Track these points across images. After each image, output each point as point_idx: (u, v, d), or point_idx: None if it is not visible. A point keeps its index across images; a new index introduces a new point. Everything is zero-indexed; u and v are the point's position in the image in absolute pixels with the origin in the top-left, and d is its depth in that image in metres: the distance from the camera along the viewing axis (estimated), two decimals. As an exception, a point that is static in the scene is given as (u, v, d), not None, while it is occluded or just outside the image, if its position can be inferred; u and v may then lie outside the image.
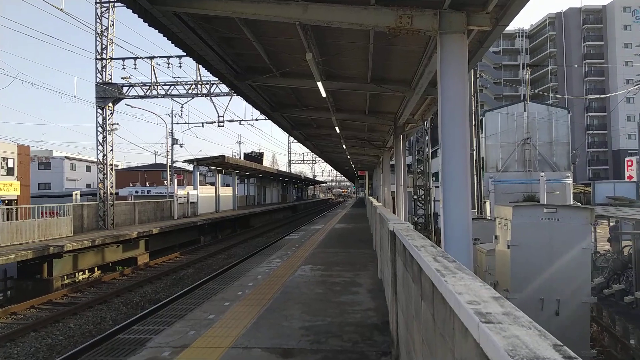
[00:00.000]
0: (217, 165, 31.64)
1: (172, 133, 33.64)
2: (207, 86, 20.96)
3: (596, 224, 14.99)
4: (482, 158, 26.76)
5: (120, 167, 53.45)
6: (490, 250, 9.40)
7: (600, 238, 18.40)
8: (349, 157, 29.20)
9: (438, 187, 5.53)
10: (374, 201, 17.64)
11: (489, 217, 16.64)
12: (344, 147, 22.11)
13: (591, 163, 64.56)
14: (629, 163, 32.84)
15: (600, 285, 12.06)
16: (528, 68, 38.41)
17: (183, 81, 21.12)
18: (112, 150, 19.95)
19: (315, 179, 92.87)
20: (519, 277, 7.40)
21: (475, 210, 19.62)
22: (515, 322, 1.20)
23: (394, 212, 15.55)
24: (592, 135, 64.58)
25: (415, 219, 23.19)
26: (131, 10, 5.68)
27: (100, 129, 19.70)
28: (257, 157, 55.31)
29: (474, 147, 20.03)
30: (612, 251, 15.90)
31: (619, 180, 36.82)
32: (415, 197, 23.56)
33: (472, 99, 20.32)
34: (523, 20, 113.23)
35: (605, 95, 55.34)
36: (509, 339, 1.06)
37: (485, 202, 22.29)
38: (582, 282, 7.33)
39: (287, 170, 70.61)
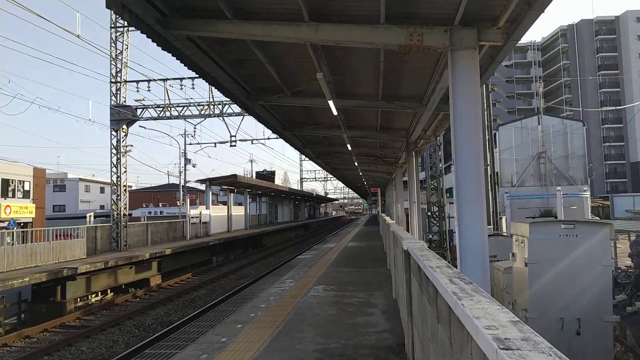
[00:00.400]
0: (229, 185, 31.83)
1: (184, 153, 34.03)
2: (220, 107, 21.25)
3: (616, 239, 14.67)
4: (497, 173, 26.53)
5: (133, 188, 54.05)
6: (508, 268, 9.24)
7: (620, 254, 17.96)
8: (361, 174, 29.18)
9: (452, 203, 5.48)
10: (387, 219, 17.53)
11: (505, 234, 16.39)
12: (356, 164, 22.12)
13: (609, 176, 63.51)
14: (649, 175, 32.23)
15: (622, 303, 11.72)
16: (541, 81, 38.27)
17: (196, 102, 21.47)
18: (125, 171, 20.22)
19: (327, 196, 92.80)
20: (538, 295, 7.24)
21: (491, 226, 19.36)
22: (535, 348, 1.17)
23: (408, 230, 15.41)
24: (608, 148, 63.66)
25: (430, 236, 22.94)
26: (145, 35, 5.82)
27: (114, 150, 20.02)
28: (269, 176, 55.54)
29: (488, 162, 19.88)
30: (634, 267, 15.50)
31: (639, 193, 36.13)
32: (429, 213, 23.36)
33: (485, 113, 20.26)
34: (535, 33, 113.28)
35: (621, 107, 54.77)
36: (529, 368, 1.04)
37: (501, 218, 21.99)
38: (604, 300, 7.14)
39: (299, 188, 70.75)
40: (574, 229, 7.30)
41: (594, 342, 7.03)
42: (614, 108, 56.66)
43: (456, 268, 3.03)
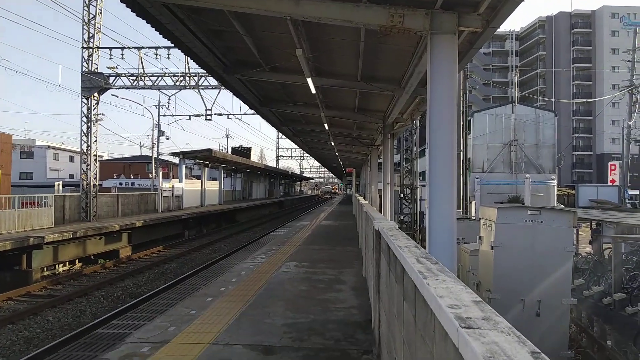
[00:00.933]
0: (204, 159, 31.39)
1: (158, 125, 33.32)
2: (195, 78, 20.76)
3: (579, 226, 15.24)
4: (469, 158, 27.01)
5: (104, 158, 52.72)
6: (474, 250, 9.49)
7: (582, 240, 18.71)
8: (337, 154, 29.23)
9: (424, 186, 5.56)
10: (361, 199, 17.68)
11: (474, 217, 16.80)
12: (333, 144, 22.12)
13: (576, 166, 65.67)
14: (612, 167, 33.48)
15: (580, 287, 12.26)
16: (517, 70, 38.83)
17: (171, 73, 20.89)
18: (96, 140, 19.67)
19: (303, 175, 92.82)
20: (502, 277, 7.48)
21: (461, 210, 19.80)
22: (494, 328, 1.20)
23: (381, 211, 15.60)
24: (577, 139, 65.64)
25: (402, 217, 23.30)
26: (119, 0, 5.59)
27: (85, 119, 19.39)
28: (244, 152, 54.96)
29: (462, 148, 20.19)
30: (593, 253, 16.19)
31: (602, 184, 37.52)
32: (402, 195, 23.67)
33: (461, 99, 20.46)
34: (514, 23, 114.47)
35: (591, 100, 56.27)
36: (487, 345, 1.06)
37: (470, 202, 22.52)
38: (563, 284, 7.44)
39: (275, 166, 70.46)
40: (540, 215, 7.53)
41: (552, 323, 7.34)
42: (585, 100, 58.16)
43: (425, 249, 3.09)
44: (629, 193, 28.14)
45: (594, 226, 16.33)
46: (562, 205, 29.01)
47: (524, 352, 1.03)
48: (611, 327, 8.43)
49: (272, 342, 4.98)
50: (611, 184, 31.49)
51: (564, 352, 7.31)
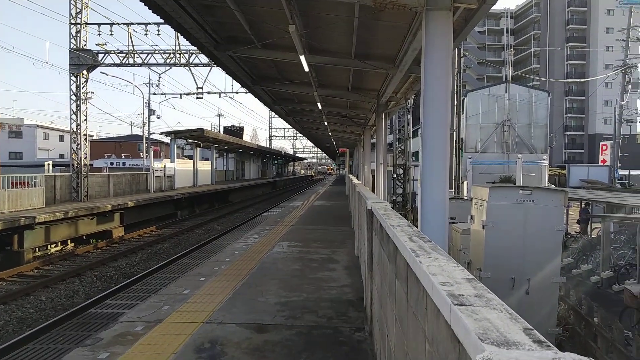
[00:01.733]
0: (196, 139, 31.14)
1: (149, 104, 32.86)
2: (186, 56, 20.40)
3: (569, 206, 15.40)
4: (462, 138, 27.05)
5: (94, 138, 52.08)
6: (466, 229, 9.58)
7: (571, 220, 18.95)
8: (330, 134, 29.10)
9: (417, 166, 5.56)
10: (354, 179, 17.70)
11: (466, 197, 16.92)
12: (326, 123, 21.99)
13: (567, 146, 66.03)
14: (604, 147, 33.70)
15: (569, 266, 12.48)
16: (511, 49, 38.58)
17: (161, 50, 20.49)
18: (86, 119, 19.37)
19: (296, 155, 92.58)
20: (492, 256, 7.57)
21: (453, 190, 19.91)
22: (487, 305, 1.20)
23: (373, 191, 15.64)
24: (570, 119, 65.82)
25: (394, 197, 23.42)
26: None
27: (74, 97, 19.06)
28: (237, 132, 54.58)
29: (455, 128, 20.18)
30: (582, 232, 16.43)
31: (593, 164, 37.83)
32: (395, 175, 23.74)
33: (455, 78, 20.35)
34: (509, 0, 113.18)
35: (584, 80, 56.22)
36: (480, 322, 1.06)
37: (462, 182, 22.65)
38: (553, 263, 7.56)
39: (268, 146, 70.14)
40: (531, 195, 7.58)
41: (541, 301, 7.48)
42: (578, 80, 58.12)
43: (417, 228, 3.09)
44: (619, 173, 28.40)
45: (583, 206, 16.51)
46: (553, 185, 29.27)
47: (517, 328, 1.02)
48: (598, 304, 8.61)
49: (266, 320, 5.02)
50: (602, 164, 31.76)
51: (552, 329, 7.47)
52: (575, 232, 17.09)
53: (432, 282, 1.45)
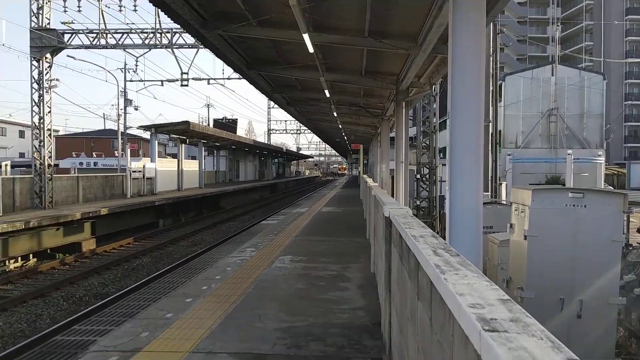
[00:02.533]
0: (180, 134, 31.34)
1: (124, 92, 33.15)
2: (168, 36, 20.58)
3: (630, 211, 15.27)
4: (500, 131, 26.91)
5: (61, 133, 52.68)
6: (504, 240, 9.53)
7: (632, 228, 18.79)
8: (340, 127, 29.16)
9: (445, 165, 5.56)
10: (369, 180, 17.70)
11: (505, 202, 16.84)
12: (335, 114, 22.04)
13: (628, 140, 65.38)
14: (672, 141, 33.37)
15: (630, 284, 12.34)
16: (559, 24, 38.46)
17: (138, 29, 20.70)
18: (50, 112, 19.59)
19: (300, 152, 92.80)
20: (536, 273, 7.53)
21: (489, 193, 19.82)
22: (524, 331, 1.20)
23: (393, 195, 15.65)
24: (630, 107, 65.22)
25: (418, 202, 23.36)
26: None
27: (35, 85, 19.27)
28: (229, 125, 54.96)
29: (490, 118, 20.11)
30: (647, 244, 16.26)
31: (659, 161, 37.52)
32: (419, 176, 23.67)
33: (491, 59, 20.29)
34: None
35: (648, 59, 55.74)
36: (515, 352, 1.06)
37: (500, 184, 22.52)
38: (610, 280, 7.49)
39: (266, 142, 70.41)
40: (583, 198, 7.53)
41: (595, 326, 7.42)
42: (640, 60, 57.68)
43: (445, 239, 3.09)
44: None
45: (648, 211, 16.37)
46: (611, 187, 29.06)
47: (559, 359, 1.02)
48: (666, 330, 8.54)
49: (264, 349, 5.03)
50: (670, 161, 31.49)
51: (609, 360, 7.41)
52: (638, 243, 16.93)
53: (459, 303, 1.46)
